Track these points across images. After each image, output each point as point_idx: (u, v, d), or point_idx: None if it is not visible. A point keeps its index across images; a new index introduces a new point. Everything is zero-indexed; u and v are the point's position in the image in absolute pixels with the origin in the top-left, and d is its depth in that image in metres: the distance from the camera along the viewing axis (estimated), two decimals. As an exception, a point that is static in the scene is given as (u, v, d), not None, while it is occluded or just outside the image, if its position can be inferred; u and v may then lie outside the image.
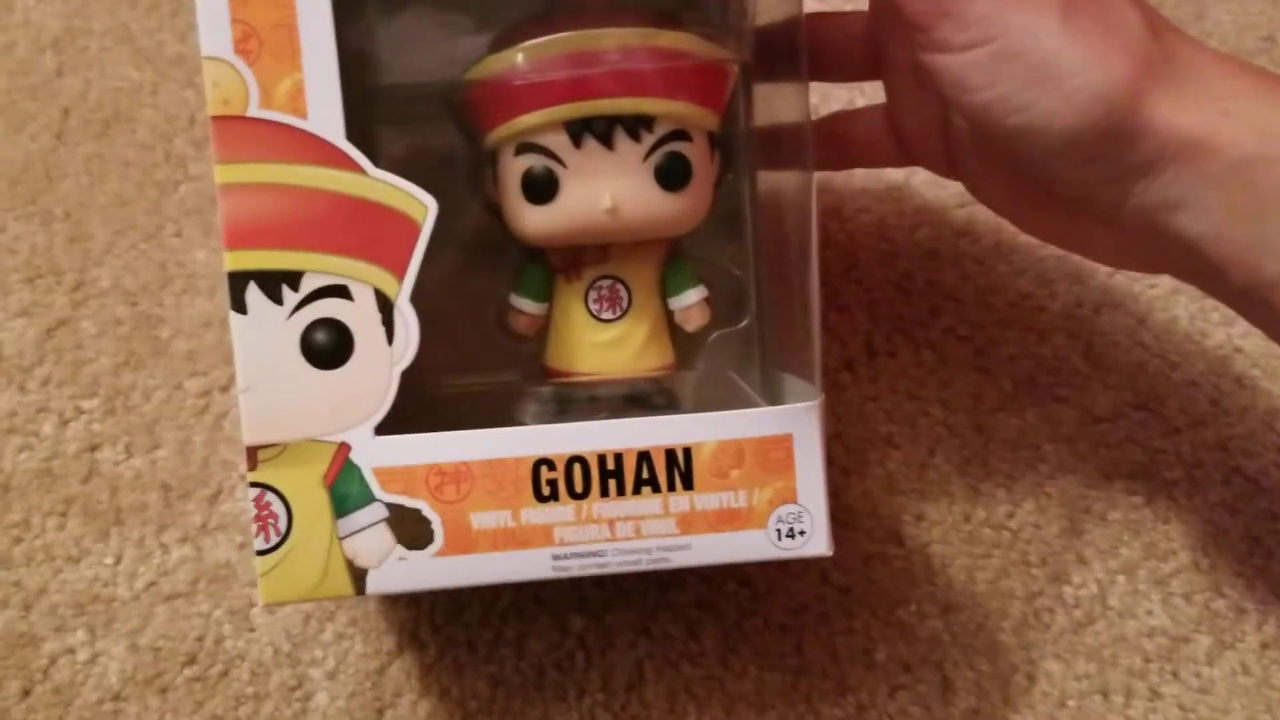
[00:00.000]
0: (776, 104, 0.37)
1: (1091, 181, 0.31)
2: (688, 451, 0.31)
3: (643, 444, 0.31)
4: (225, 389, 0.43)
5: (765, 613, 0.42)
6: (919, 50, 0.31)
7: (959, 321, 0.45)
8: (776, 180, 0.38)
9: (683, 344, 0.37)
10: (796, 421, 0.31)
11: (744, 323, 0.39)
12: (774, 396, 0.37)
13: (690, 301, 0.37)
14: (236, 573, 0.41)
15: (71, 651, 0.40)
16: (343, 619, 0.41)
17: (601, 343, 0.36)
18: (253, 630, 0.41)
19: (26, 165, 0.45)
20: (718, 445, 0.31)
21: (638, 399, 0.36)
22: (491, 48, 0.35)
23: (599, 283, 0.36)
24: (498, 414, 0.36)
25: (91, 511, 0.41)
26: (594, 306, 0.36)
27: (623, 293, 0.36)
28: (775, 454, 0.31)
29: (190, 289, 0.44)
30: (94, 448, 0.42)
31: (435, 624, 0.41)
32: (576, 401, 0.37)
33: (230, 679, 0.40)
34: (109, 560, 0.41)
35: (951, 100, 0.32)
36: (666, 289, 0.37)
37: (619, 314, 0.36)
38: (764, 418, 0.32)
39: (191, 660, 0.40)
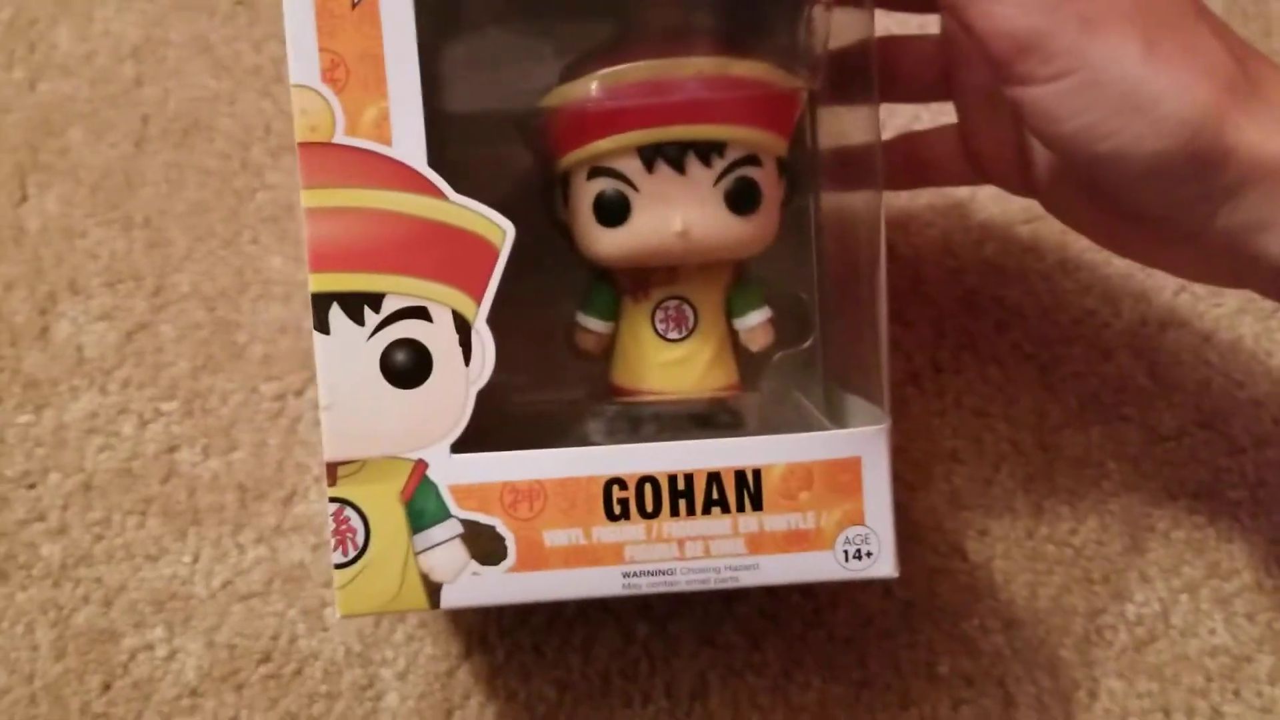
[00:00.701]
0: (844, 125, 0.37)
1: (1176, 204, 0.32)
2: (757, 473, 0.32)
3: (713, 465, 0.32)
4: (299, 393, 0.44)
5: (829, 625, 0.42)
6: (1002, 84, 0.32)
7: (1024, 338, 0.45)
8: (840, 201, 0.39)
9: (746, 364, 0.38)
10: (865, 444, 0.32)
11: (807, 343, 0.39)
12: (836, 416, 0.37)
13: (755, 322, 0.37)
14: (310, 573, 0.42)
15: (150, 647, 0.41)
16: (413, 621, 0.42)
17: (668, 362, 0.36)
18: (325, 630, 0.42)
19: (107, 172, 0.46)
20: (787, 467, 0.32)
21: (703, 418, 0.37)
22: (564, 75, 0.35)
23: (666, 303, 0.37)
24: (564, 431, 0.37)
25: (170, 511, 0.43)
26: (661, 326, 0.37)
27: (689, 313, 0.37)
28: (844, 476, 0.32)
29: (266, 295, 0.45)
30: (173, 449, 0.43)
31: (503, 628, 0.42)
32: (643, 419, 0.37)
33: (304, 677, 0.41)
34: (187, 559, 0.42)
35: (1037, 130, 0.32)
36: (732, 309, 0.37)
37: (685, 334, 0.37)
38: (833, 440, 0.32)
39: (266, 658, 0.41)
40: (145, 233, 0.46)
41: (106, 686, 0.41)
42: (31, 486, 0.43)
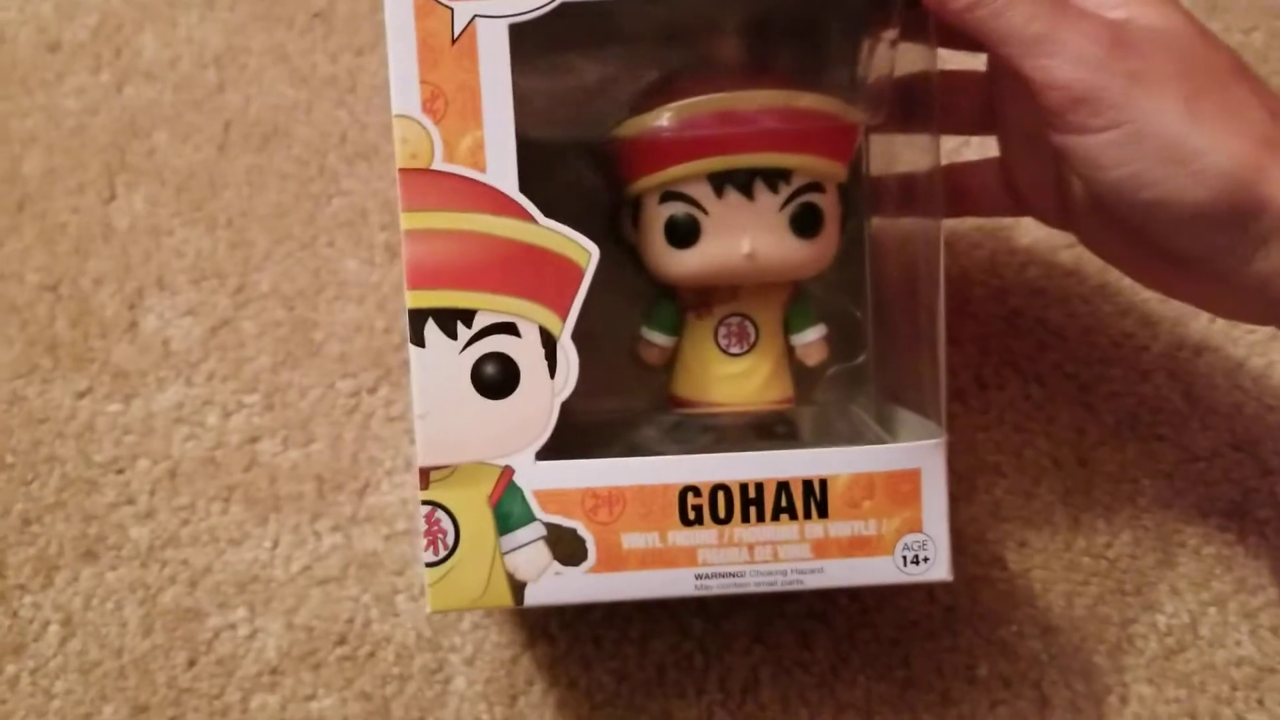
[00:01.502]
0: (898, 151, 0.39)
1: (1213, 249, 0.34)
2: (823, 483, 0.34)
3: (782, 475, 0.34)
4: (373, 391, 0.46)
5: (875, 626, 0.44)
6: (1052, 131, 0.34)
7: (1065, 358, 0.47)
8: (895, 223, 0.41)
9: (800, 377, 0.40)
10: (924, 457, 0.34)
11: (860, 359, 0.41)
12: (888, 428, 0.40)
13: (812, 338, 0.39)
14: (383, 561, 0.44)
15: (233, 627, 0.43)
16: (479, 611, 0.44)
17: (729, 375, 0.39)
18: (397, 616, 0.44)
19: (192, 174, 0.49)
20: (851, 477, 0.34)
21: (761, 428, 0.39)
22: (636, 105, 0.37)
23: (729, 319, 0.39)
24: (626, 438, 0.39)
25: (252, 498, 0.45)
26: (723, 341, 0.39)
27: (750, 329, 0.39)
28: (904, 486, 0.34)
29: (342, 296, 0.47)
30: (254, 439, 0.45)
31: (564, 620, 0.44)
32: (704, 429, 0.39)
33: (377, 659, 0.43)
34: (267, 544, 0.44)
35: (1083, 176, 0.34)
36: (789, 326, 0.40)
37: (746, 349, 0.39)
38: (894, 453, 0.34)
39: (342, 640, 0.43)
40: (228, 233, 0.48)
41: (191, 663, 0.43)
42: (120, 472, 0.45)
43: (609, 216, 0.40)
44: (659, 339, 0.39)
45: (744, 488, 0.34)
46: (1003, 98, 0.39)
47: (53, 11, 0.50)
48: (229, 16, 0.50)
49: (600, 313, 0.34)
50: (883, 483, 0.34)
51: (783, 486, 0.34)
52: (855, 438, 0.39)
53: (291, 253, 0.48)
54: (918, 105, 0.37)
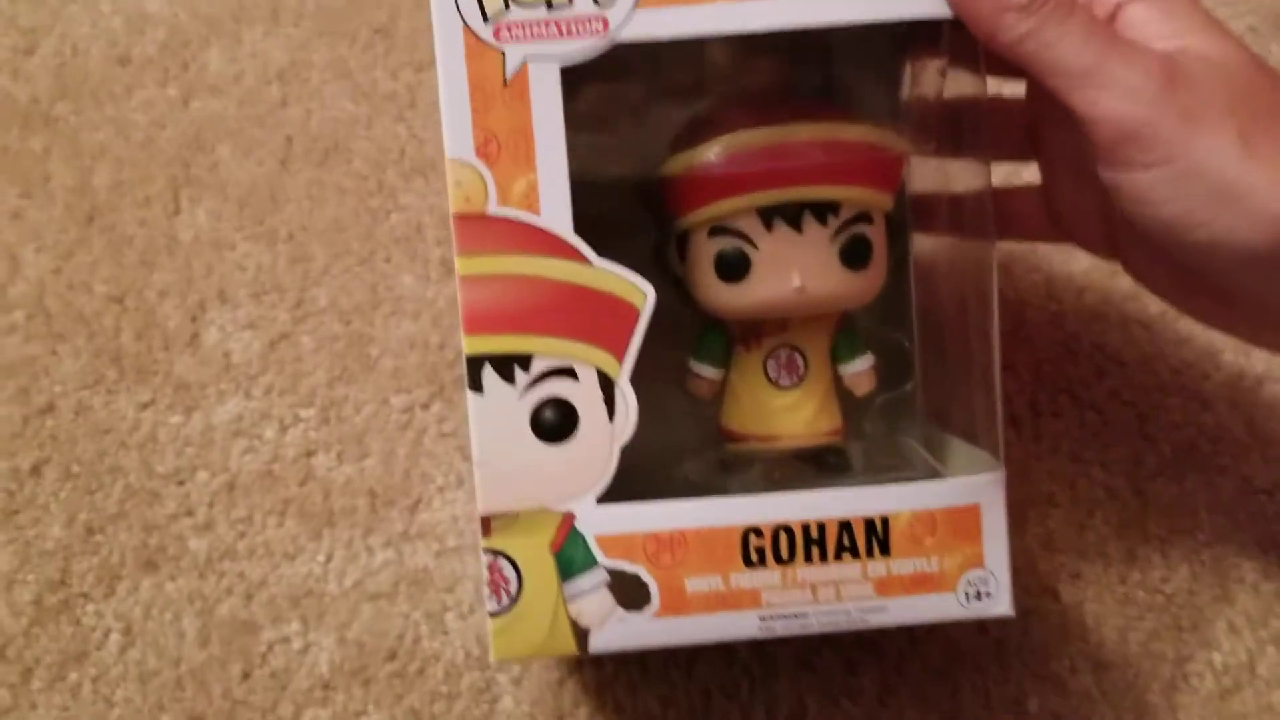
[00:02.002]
0: (945, 173, 0.39)
1: (1264, 289, 0.33)
2: (885, 521, 0.34)
3: (844, 514, 0.34)
4: (426, 407, 0.47)
5: (923, 657, 0.44)
6: (1099, 165, 0.33)
7: (1123, 385, 0.47)
8: (939, 247, 0.40)
9: (847, 406, 0.40)
10: (984, 492, 0.34)
11: (907, 386, 0.41)
12: (938, 457, 0.39)
13: (860, 368, 0.39)
14: (433, 579, 0.45)
15: (287, 640, 0.44)
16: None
17: (779, 407, 0.39)
18: (446, 634, 0.44)
19: (254, 188, 0.49)
20: (913, 515, 0.34)
21: (813, 459, 0.39)
22: (680, 140, 0.37)
23: (778, 351, 0.39)
24: (680, 472, 0.39)
25: (307, 512, 0.46)
26: (773, 373, 0.39)
27: (799, 361, 0.39)
28: (965, 522, 0.34)
29: (397, 311, 0.48)
30: (310, 453, 0.46)
31: (611, 641, 0.44)
32: (756, 462, 0.39)
33: (426, 676, 0.44)
34: (321, 558, 0.45)
35: (1131, 212, 0.33)
36: (837, 356, 0.39)
37: (796, 380, 0.39)
38: (955, 488, 0.34)
39: (392, 656, 0.44)
40: (288, 247, 0.49)
41: (246, 675, 0.44)
42: (181, 483, 0.46)
43: (654, 249, 0.40)
44: (708, 372, 0.39)
45: (806, 528, 0.34)
46: (1043, 126, 0.38)
47: (123, 26, 0.51)
48: (293, 32, 0.51)
49: (646, 344, 0.34)
50: (944, 519, 0.34)
51: (845, 526, 0.34)
52: (907, 468, 0.39)
53: (349, 268, 0.48)
54: (965, 130, 0.37)
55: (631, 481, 0.34)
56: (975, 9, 0.32)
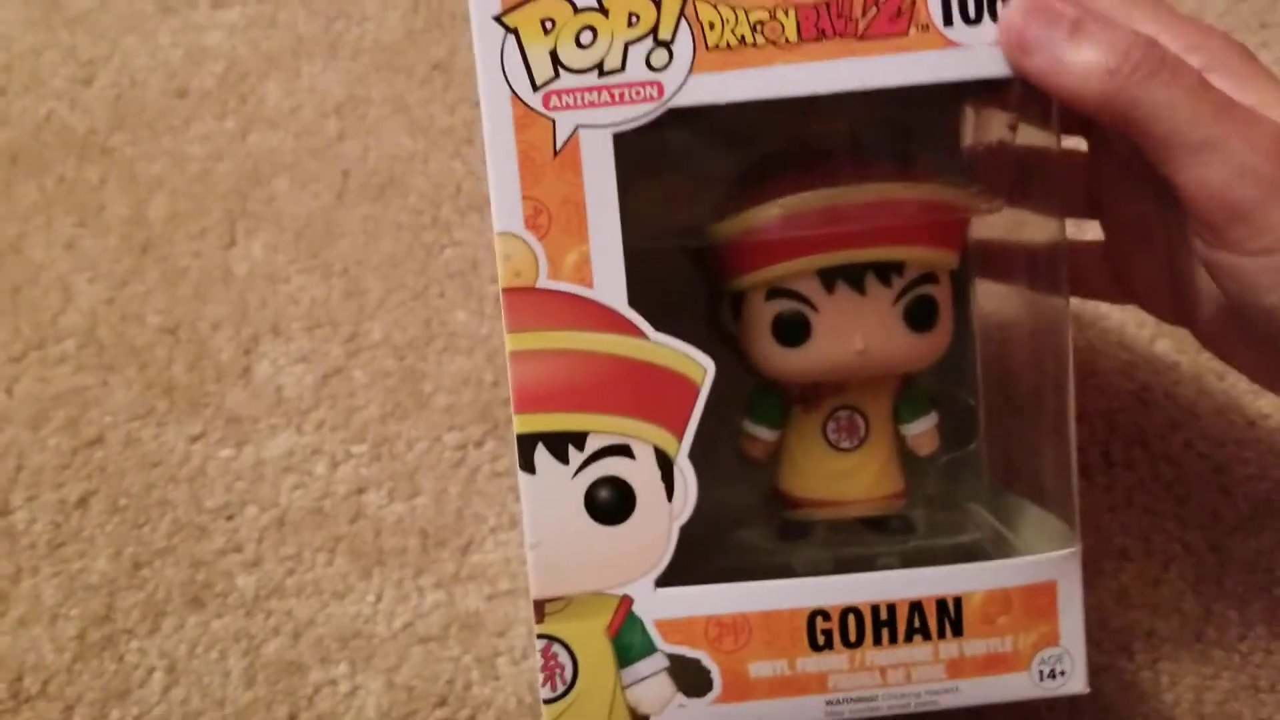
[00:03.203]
0: (1020, 223, 0.38)
1: None
2: (958, 601, 0.32)
3: (915, 594, 0.32)
4: (479, 445, 0.46)
5: (990, 716, 0.42)
6: (1199, 242, 0.31)
7: (1198, 437, 0.45)
8: (1003, 302, 0.39)
9: (910, 466, 0.38)
10: (1060, 569, 0.33)
11: (971, 446, 0.40)
12: (1005, 520, 0.38)
13: (924, 429, 0.38)
14: (484, 622, 0.44)
15: (334, 683, 0.43)
16: None
17: (839, 471, 0.37)
18: (498, 679, 0.43)
19: (310, 221, 0.49)
20: (987, 594, 0.32)
21: (875, 523, 0.38)
22: (737, 202, 0.36)
23: (838, 413, 0.37)
24: (737, 539, 0.38)
25: (357, 551, 0.45)
26: (833, 436, 0.37)
27: (860, 423, 0.37)
28: (1040, 600, 0.33)
29: (450, 347, 0.47)
30: (361, 490, 0.45)
31: (667, 690, 0.43)
32: (817, 527, 0.38)
33: (476, 724, 0.43)
34: (370, 599, 0.44)
35: (1232, 295, 0.32)
36: (900, 415, 0.38)
37: (857, 443, 0.37)
38: (1031, 566, 0.33)
39: (442, 702, 0.43)
40: (343, 281, 0.48)
41: (292, 717, 0.43)
42: (230, 519, 0.45)
43: (707, 307, 0.38)
44: (763, 433, 0.38)
45: (875, 609, 0.32)
46: (1109, 187, 0.36)
47: (181, 59, 0.51)
48: (351, 66, 0.51)
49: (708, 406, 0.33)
50: (1019, 597, 0.32)
51: (915, 606, 0.32)
52: (973, 531, 0.37)
53: (403, 302, 0.48)
54: (1033, 184, 0.35)
55: (684, 549, 0.33)
56: (1067, 81, 0.30)
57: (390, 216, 0.49)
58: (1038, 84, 0.31)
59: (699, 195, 0.37)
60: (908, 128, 0.38)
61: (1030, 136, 0.35)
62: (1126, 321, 0.47)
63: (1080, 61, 0.30)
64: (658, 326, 0.32)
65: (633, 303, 0.32)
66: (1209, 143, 0.29)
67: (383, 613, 0.44)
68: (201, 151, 0.50)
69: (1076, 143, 0.37)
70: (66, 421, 0.46)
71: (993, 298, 0.40)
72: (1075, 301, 0.46)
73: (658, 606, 0.32)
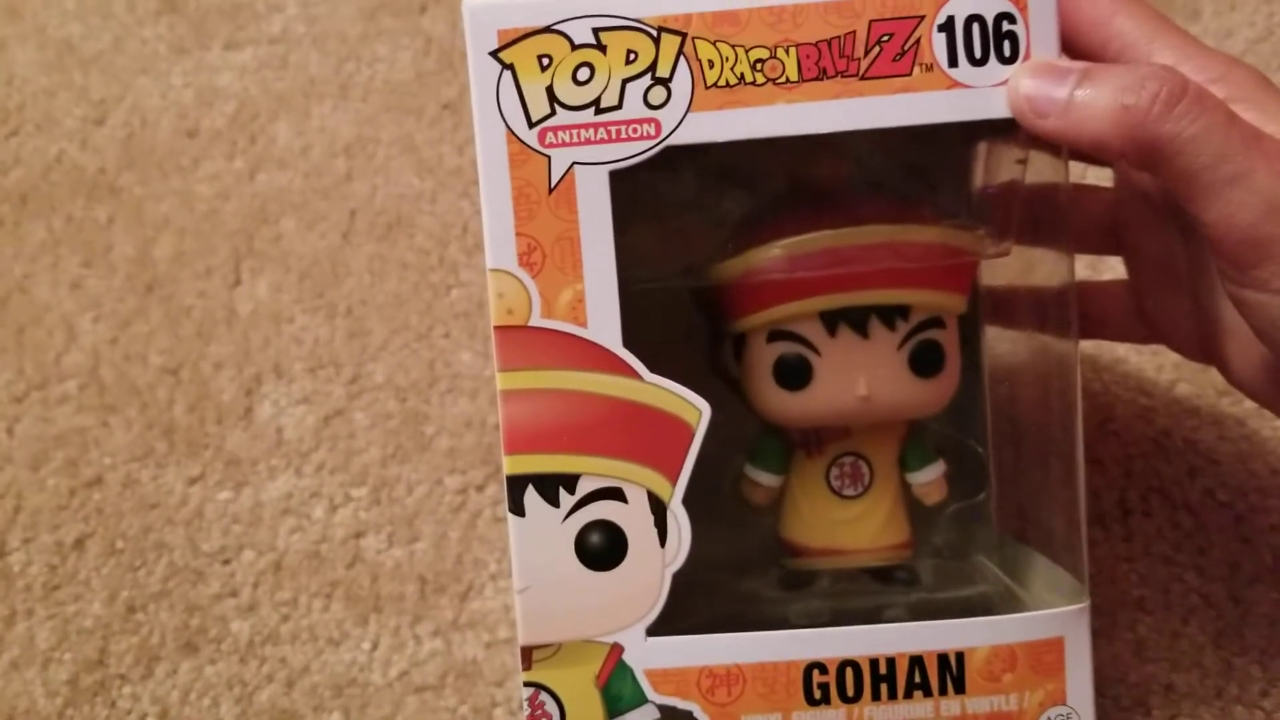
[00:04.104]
0: (1030, 265, 0.37)
1: None
2: (960, 656, 0.31)
3: (916, 648, 0.31)
4: (481, 489, 0.45)
5: (1004, 772, 0.41)
6: (1226, 280, 0.30)
7: (1218, 485, 0.44)
8: (1013, 347, 0.38)
9: (917, 514, 0.37)
10: (1068, 625, 0.32)
11: (981, 496, 0.39)
12: (1013, 571, 0.37)
13: (930, 477, 0.37)
14: (483, 671, 0.43)
15: (328, 732, 0.42)
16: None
17: (843, 519, 0.36)
18: (495, 730, 0.42)
19: (316, 261, 0.49)
20: (991, 650, 0.31)
21: (880, 573, 0.37)
22: (737, 240, 0.35)
23: (841, 459, 0.36)
24: (737, 588, 0.37)
25: (353, 597, 0.44)
26: (836, 483, 0.36)
27: (864, 470, 0.36)
28: (1047, 657, 0.31)
29: (454, 389, 0.47)
30: (359, 535, 0.45)
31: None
32: (820, 577, 0.37)
33: (472, 776, 0.42)
34: (366, 646, 0.43)
35: (1259, 332, 0.30)
36: (906, 464, 0.37)
37: (861, 491, 0.36)
38: (1037, 622, 0.32)
39: (437, 753, 0.42)
40: (347, 321, 0.48)
41: (284, 767, 0.42)
42: (226, 562, 0.44)
43: (707, 347, 0.38)
44: (765, 478, 0.37)
45: (874, 663, 0.31)
46: (1132, 222, 0.36)
47: (193, 99, 0.51)
48: (361, 107, 0.51)
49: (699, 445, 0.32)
50: (1025, 654, 0.31)
51: (916, 661, 0.31)
52: (980, 583, 0.36)
53: (407, 343, 0.47)
54: (1045, 220, 0.34)
55: (681, 596, 0.32)
56: (1091, 125, 0.29)
57: (396, 256, 0.49)
58: (1059, 141, 0.31)
59: (698, 235, 0.36)
60: (916, 165, 0.37)
61: (1044, 172, 0.34)
62: (1145, 365, 0.46)
63: (1095, 107, 0.29)
64: (652, 368, 0.31)
65: (627, 343, 0.31)
66: (1236, 177, 0.28)
67: (378, 660, 0.43)
68: (210, 191, 0.50)
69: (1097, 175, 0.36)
70: (66, 462, 0.46)
71: (1001, 341, 0.39)
72: (1091, 344, 0.45)
73: (649, 656, 0.31)
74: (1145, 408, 0.45)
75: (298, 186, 0.50)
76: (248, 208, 0.49)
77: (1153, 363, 0.46)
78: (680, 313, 0.38)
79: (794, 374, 0.34)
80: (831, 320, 0.34)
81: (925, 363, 0.34)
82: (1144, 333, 0.38)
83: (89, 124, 0.51)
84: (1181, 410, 0.45)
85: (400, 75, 0.51)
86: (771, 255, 0.34)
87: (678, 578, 0.31)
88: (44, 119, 0.51)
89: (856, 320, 0.34)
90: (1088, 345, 0.46)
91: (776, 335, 0.34)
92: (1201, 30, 0.50)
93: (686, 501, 0.31)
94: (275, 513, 0.45)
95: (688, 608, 0.32)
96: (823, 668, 0.31)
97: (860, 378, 0.34)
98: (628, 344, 0.31)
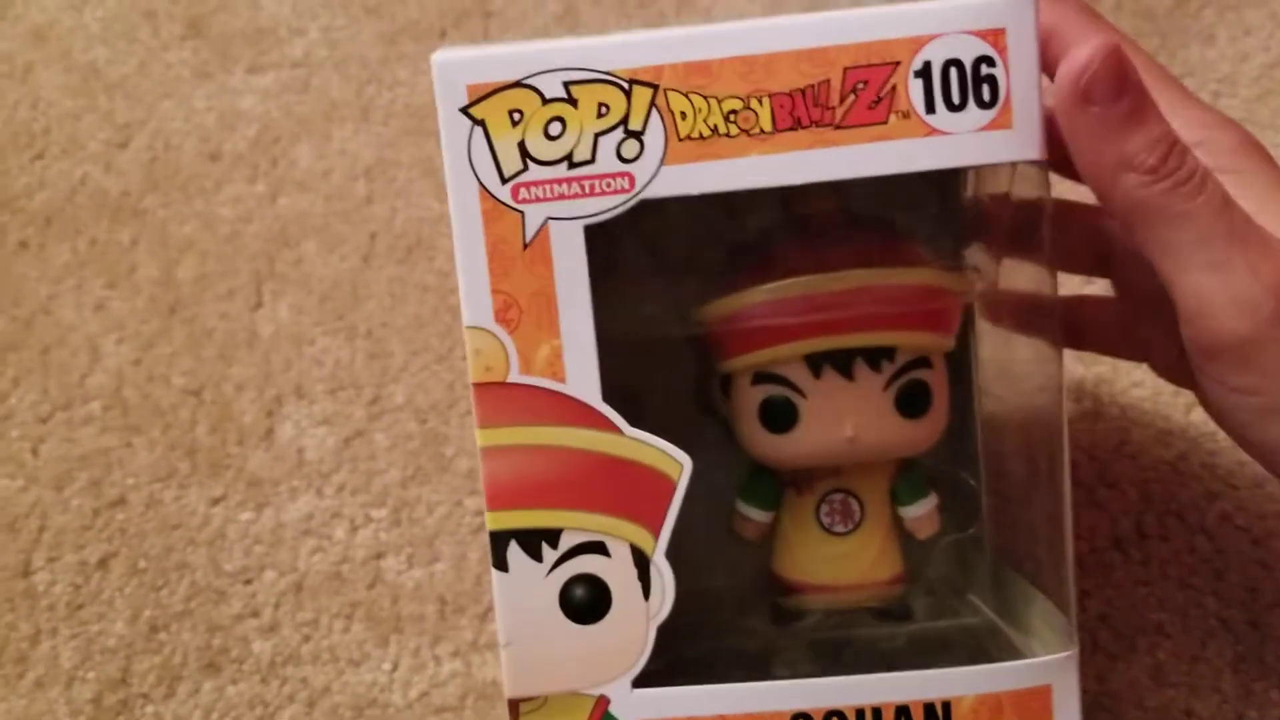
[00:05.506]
0: (1015, 270, 0.36)
1: None
2: (947, 705, 0.31)
3: (902, 698, 0.31)
4: (500, 510, 0.45)
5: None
6: (1191, 361, 0.30)
7: (1236, 509, 0.44)
8: (1001, 376, 0.38)
9: (910, 548, 0.37)
10: (1055, 673, 0.31)
11: (972, 529, 0.38)
12: (1006, 604, 0.37)
13: (922, 511, 0.37)
14: (502, 693, 0.43)
15: (348, 753, 0.42)
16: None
17: (834, 555, 0.36)
18: (513, 751, 0.42)
19: (336, 283, 0.49)
20: (978, 699, 0.31)
21: (873, 610, 0.37)
22: (724, 280, 0.35)
23: (831, 496, 0.36)
24: (728, 624, 0.37)
25: (374, 617, 0.44)
26: (826, 520, 0.36)
27: (855, 506, 0.36)
28: (1034, 705, 0.31)
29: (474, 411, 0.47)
30: (380, 556, 0.45)
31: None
32: (810, 613, 0.37)
33: (490, 798, 0.42)
34: (386, 666, 0.43)
35: (1218, 419, 0.31)
36: (897, 498, 0.37)
37: (851, 527, 0.36)
38: (1023, 670, 0.31)
39: (455, 774, 0.42)
40: (367, 343, 0.48)
41: (304, 787, 0.42)
42: (248, 583, 0.45)
43: (695, 385, 0.38)
44: (756, 514, 0.37)
45: (860, 714, 0.31)
46: (1118, 250, 0.35)
47: (216, 122, 0.52)
48: (382, 130, 0.51)
49: (689, 481, 0.32)
50: (1011, 703, 0.31)
51: (902, 710, 0.31)
52: (973, 617, 0.36)
53: (427, 365, 0.48)
54: (1028, 237, 0.34)
55: (673, 632, 0.32)
56: (1094, 158, 0.28)
57: (416, 278, 0.49)
58: (1070, 138, 0.30)
59: (680, 281, 0.36)
60: (902, 201, 0.37)
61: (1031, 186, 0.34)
62: (1162, 389, 0.46)
63: (1121, 151, 0.28)
64: (633, 422, 0.31)
65: (607, 398, 0.31)
66: (1214, 264, 0.27)
67: (399, 681, 0.43)
68: (232, 214, 0.50)
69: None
70: (90, 483, 0.46)
71: (992, 379, 0.39)
72: (1107, 367, 0.45)
73: (635, 707, 0.31)
74: (1162, 431, 0.45)
75: (319, 209, 0.50)
76: (269, 230, 0.50)
77: (1169, 386, 0.46)
78: (659, 365, 0.37)
79: (780, 417, 0.34)
80: (816, 363, 0.34)
81: (912, 403, 0.34)
82: (1132, 351, 0.38)
83: (113, 147, 0.52)
84: (1199, 434, 0.45)
85: (421, 99, 0.52)
86: (754, 300, 0.34)
87: (673, 616, 0.31)
88: (69, 142, 0.52)
89: (841, 363, 0.34)
90: (1103, 368, 0.46)
91: (761, 378, 0.34)
92: (1218, 55, 0.50)
93: (679, 536, 0.31)
94: (296, 533, 0.45)
95: (682, 646, 0.32)
96: (808, 718, 0.31)
97: (846, 420, 0.34)
98: (607, 399, 0.31)
